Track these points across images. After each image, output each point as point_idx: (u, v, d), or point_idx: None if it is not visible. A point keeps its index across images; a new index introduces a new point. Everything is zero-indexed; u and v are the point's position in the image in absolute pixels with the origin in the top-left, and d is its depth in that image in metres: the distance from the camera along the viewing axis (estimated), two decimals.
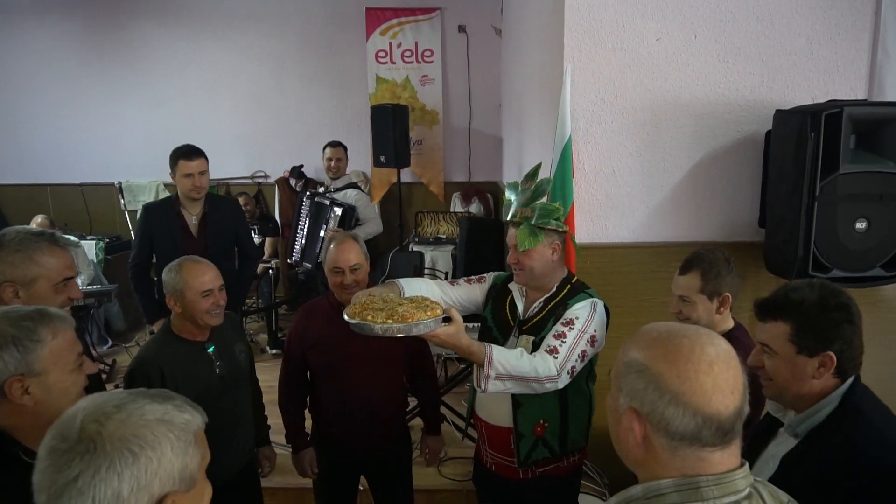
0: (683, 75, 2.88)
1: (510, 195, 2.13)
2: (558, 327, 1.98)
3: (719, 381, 0.93)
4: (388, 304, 1.80)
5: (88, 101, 6.57)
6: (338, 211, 4.60)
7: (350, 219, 4.64)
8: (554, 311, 2.06)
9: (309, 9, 6.28)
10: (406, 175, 6.20)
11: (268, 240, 5.77)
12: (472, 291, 2.26)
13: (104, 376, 4.84)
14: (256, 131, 6.55)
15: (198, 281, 2.16)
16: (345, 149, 4.93)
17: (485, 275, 2.31)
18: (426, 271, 5.76)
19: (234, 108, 6.50)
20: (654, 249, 3.01)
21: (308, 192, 4.99)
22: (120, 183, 5.92)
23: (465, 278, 2.30)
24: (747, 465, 0.98)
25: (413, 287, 2.07)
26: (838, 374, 1.36)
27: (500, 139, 6.19)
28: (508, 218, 2.12)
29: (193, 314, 2.17)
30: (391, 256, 5.40)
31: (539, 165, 2.16)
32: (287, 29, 6.33)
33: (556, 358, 1.90)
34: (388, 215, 6.41)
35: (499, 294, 2.22)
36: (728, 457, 0.95)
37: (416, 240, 5.97)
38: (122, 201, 5.89)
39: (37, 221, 5.06)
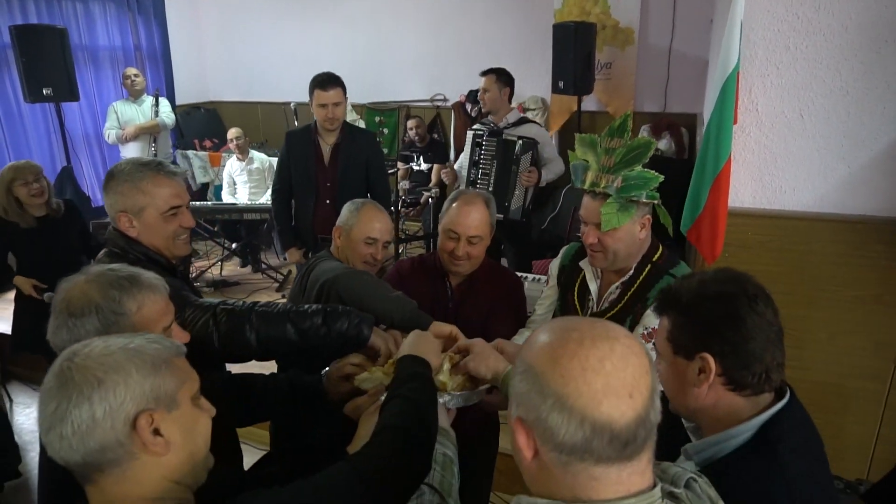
0: None
1: (584, 152, 1.64)
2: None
3: (612, 381, 0.76)
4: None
5: (289, 24, 6.90)
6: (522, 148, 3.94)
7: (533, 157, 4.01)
8: (632, 305, 1.61)
9: None
10: (590, 102, 5.56)
11: (435, 167, 5.64)
12: (550, 306, 1.90)
13: (276, 285, 5.25)
14: (438, 52, 6.33)
15: (368, 226, 1.99)
16: (498, 76, 3.82)
17: (550, 269, 1.92)
18: None
19: (417, 28, 6.34)
20: (850, 225, 2.22)
21: (488, 129, 4.02)
22: (295, 104, 6.03)
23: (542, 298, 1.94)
24: (659, 488, 0.80)
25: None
26: (736, 388, 1.05)
27: (706, 63, 5.18)
28: (586, 186, 1.64)
29: (350, 254, 2.02)
30: (564, 192, 4.99)
31: (627, 116, 1.61)
32: None
33: None
34: (567, 147, 5.87)
35: (569, 276, 1.79)
36: (631, 475, 0.78)
37: None
38: (287, 122, 6.15)
39: (231, 134, 5.53)
